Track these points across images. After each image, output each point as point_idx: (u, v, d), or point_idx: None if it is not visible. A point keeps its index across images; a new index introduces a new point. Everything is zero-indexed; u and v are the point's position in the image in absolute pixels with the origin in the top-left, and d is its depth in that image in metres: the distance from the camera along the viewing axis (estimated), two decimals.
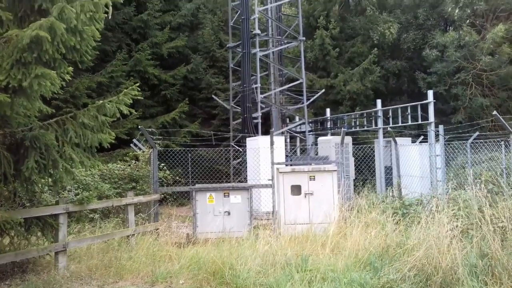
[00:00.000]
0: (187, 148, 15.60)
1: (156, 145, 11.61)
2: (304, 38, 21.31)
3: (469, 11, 23.83)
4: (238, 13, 20.18)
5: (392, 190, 12.00)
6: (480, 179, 8.06)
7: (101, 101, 7.19)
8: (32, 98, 6.35)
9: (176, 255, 7.90)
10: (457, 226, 6.33)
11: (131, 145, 14.59)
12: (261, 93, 19.24)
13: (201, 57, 22.51)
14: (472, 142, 13.81)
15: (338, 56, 26.48)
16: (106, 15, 6.78)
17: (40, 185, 7.56)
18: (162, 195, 13.70)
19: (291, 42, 21.91)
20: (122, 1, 7.19)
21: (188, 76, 21.75)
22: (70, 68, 6.91)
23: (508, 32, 23.40)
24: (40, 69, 5.88)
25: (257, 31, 18.90)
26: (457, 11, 23.86)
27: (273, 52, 21.11)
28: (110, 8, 6.77)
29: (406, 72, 27.24)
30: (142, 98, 9.67)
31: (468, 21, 23.75)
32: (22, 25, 6.69)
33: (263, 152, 14.58)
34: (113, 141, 7.28)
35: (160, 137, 15.70)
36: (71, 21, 6.07)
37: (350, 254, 7.35)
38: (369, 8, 26.42)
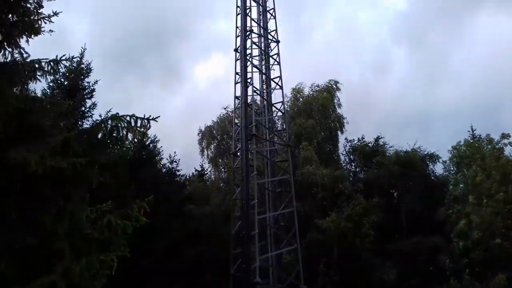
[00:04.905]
0: None
1: None
2: (305, 287, 20.92)
3: (467, 260, 24.23)
4: None
5: None
6: None
7: None
8: None
9: None
10: None
11: None
12: None
13: None
14: None
15: None
16: (109, 271, 6.97)
17: None
18: None
19: None
20: (129, 255, 7.47)
21: None
22: None
23: (509, 281, 23.19)
24: None
25: None
26: (447, 261, 24.33)
27: None
28: (115, 264, 7.01)
29: None
30: None
31: (467, 270, 23.92)
32: None
33: None
34: None
35: None
36: (73, 278, 6.20)
37: None
38: (363, 254, 26.97)
